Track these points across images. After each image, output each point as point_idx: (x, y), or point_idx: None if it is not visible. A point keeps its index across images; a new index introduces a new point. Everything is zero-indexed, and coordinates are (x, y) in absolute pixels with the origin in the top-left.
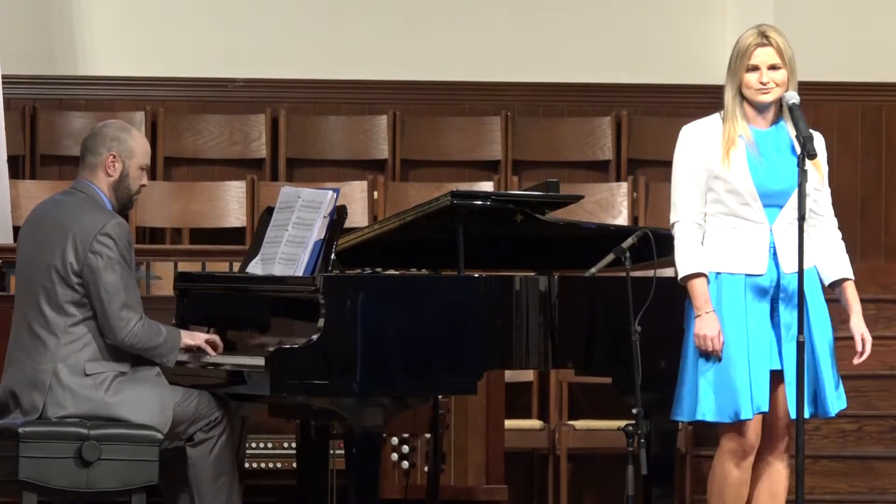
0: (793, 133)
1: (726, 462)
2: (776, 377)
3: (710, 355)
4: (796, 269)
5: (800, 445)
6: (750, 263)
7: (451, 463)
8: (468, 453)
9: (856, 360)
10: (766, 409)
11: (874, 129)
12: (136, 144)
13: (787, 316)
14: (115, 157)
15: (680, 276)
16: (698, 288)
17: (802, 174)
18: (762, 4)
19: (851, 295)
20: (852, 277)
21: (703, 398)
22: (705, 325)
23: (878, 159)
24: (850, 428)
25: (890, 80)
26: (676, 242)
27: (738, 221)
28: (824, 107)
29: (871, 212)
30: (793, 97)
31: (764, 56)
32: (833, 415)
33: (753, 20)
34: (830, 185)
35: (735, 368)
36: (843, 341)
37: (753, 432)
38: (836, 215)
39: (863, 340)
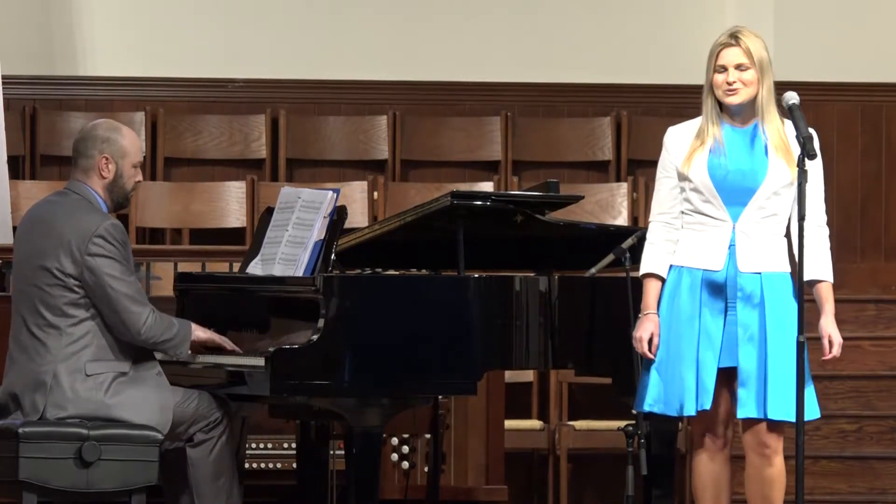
0: (770, 133)
1: (700, 455)
2: (725, 375)
3: (652, 354)
4: (756, 270)
5: (800, 445)
6: (707, 259)
7: (451, 463)
8: (468, 454)
9: (823, 359)
10: (708, 406)
11: (874, 129)
12: (128, 143)
13: (746, 315)
14: (107, 158)
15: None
16: (647, 288)
17: (802, 174)
18: (762, 5)
19: (825, 295)
20: (828, 279)
21: (652, 390)
22: (641, 327)
23: (878, 159)
24: (850, 428)
25: (890, 80)
26: (646, 241)
27: (703, 219)
28: (824, 107)
29: (871, 212)
30: (792, 97)
31: (730, 56)
32: (777, 419)
33: (753, 21)
34: (830, 185)
35: (684, 363)
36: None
37: (721, 425)
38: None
39: (830, 342)
